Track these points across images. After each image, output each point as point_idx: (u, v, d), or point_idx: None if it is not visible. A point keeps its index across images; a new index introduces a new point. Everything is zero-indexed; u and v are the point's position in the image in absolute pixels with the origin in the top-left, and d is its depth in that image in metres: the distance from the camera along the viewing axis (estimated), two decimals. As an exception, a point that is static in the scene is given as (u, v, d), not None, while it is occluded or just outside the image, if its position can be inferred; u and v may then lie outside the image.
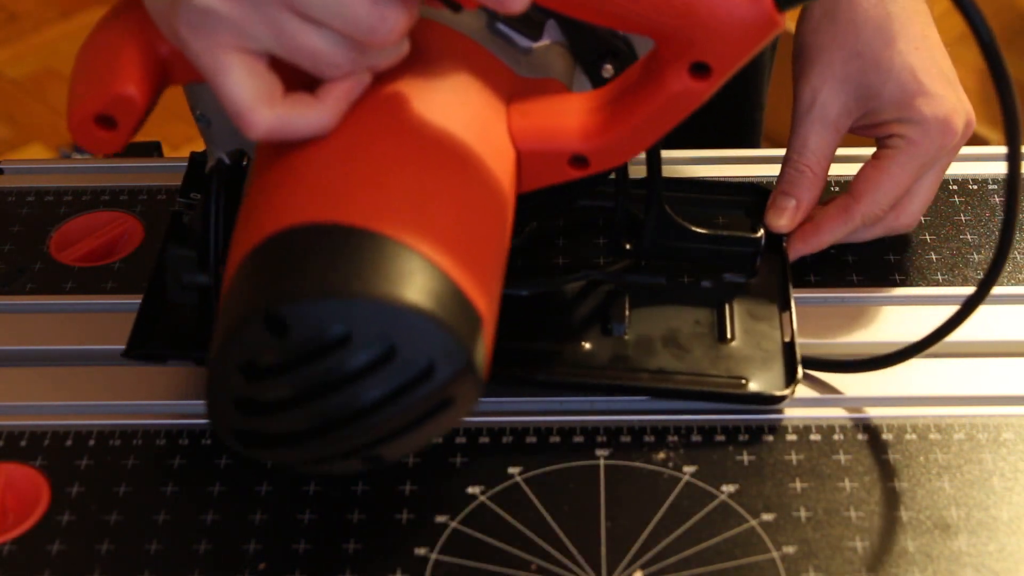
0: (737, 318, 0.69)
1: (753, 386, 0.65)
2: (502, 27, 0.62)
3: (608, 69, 0.66)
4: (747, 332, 0.68)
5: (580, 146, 0.59)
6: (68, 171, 0.83)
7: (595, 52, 0.65)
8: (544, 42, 0.64)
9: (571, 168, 0.60)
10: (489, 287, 0.52)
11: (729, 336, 0.68)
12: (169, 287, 0.62)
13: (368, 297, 0.47)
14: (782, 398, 0.65)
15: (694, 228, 0.69)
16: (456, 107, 0.56)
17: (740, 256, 0.70)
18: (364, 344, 0.47)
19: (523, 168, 0.59)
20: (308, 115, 0.52)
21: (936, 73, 0.72)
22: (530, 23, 0.62)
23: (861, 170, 0.72)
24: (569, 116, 0.59)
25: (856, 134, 0.75)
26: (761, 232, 0.70)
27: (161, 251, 0.67)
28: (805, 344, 0.67)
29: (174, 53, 0.55)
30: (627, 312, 0.69)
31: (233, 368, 0.48)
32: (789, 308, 0.68)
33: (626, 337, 0.68)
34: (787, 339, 0.67)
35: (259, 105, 0.52)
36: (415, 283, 0.47)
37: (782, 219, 0.72)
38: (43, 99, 2.31)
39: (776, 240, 0.72)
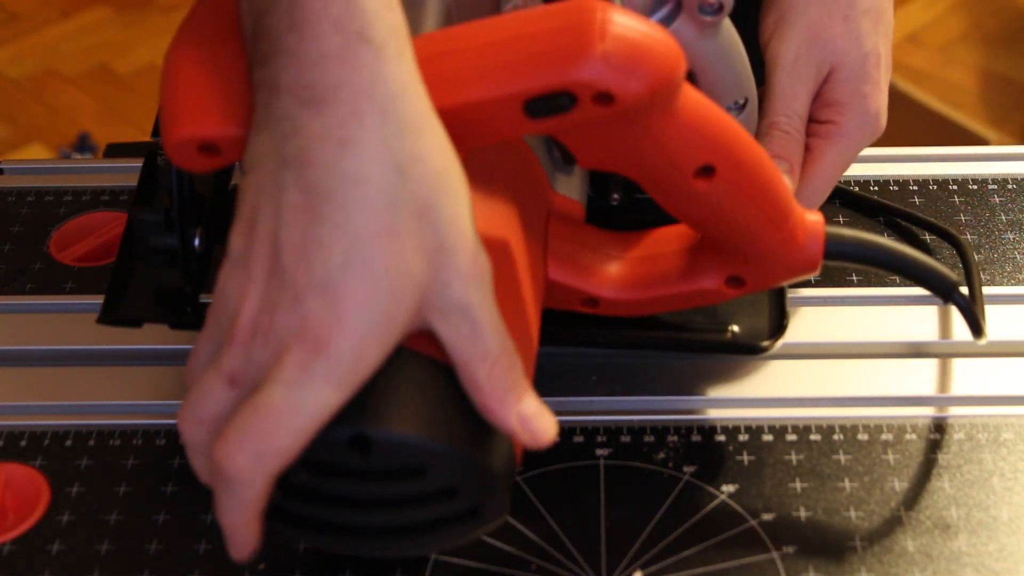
0: None
1: (737, 333, 0.65)
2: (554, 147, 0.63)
3: (616, 198, 0.70)
4: None
5: (603, 293, 0.62)
6: (68, 171, 0.83)
7: (611, 183, 0.69)
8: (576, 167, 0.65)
9: (581, 304, 0.62)
10: None
11: None
12: (138, 251, 0.61)
13: (458, 449, 0.49)
14: (765, 348, 0.64)
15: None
16: (514, 226, 0.57)
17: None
18: (433, 481, 0.49)
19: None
20: None
21: (885, 59, 0.68)
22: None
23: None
24: (600, 259, 0.62)
25: None
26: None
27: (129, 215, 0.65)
28: (799, 341, 0.68)
29: None
30: None
31: (299, 460, 0.48)
32: None
33: None
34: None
35: None
36: (497, 448, 0.50)
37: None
38: (43, 99, 2.31)
39: None
